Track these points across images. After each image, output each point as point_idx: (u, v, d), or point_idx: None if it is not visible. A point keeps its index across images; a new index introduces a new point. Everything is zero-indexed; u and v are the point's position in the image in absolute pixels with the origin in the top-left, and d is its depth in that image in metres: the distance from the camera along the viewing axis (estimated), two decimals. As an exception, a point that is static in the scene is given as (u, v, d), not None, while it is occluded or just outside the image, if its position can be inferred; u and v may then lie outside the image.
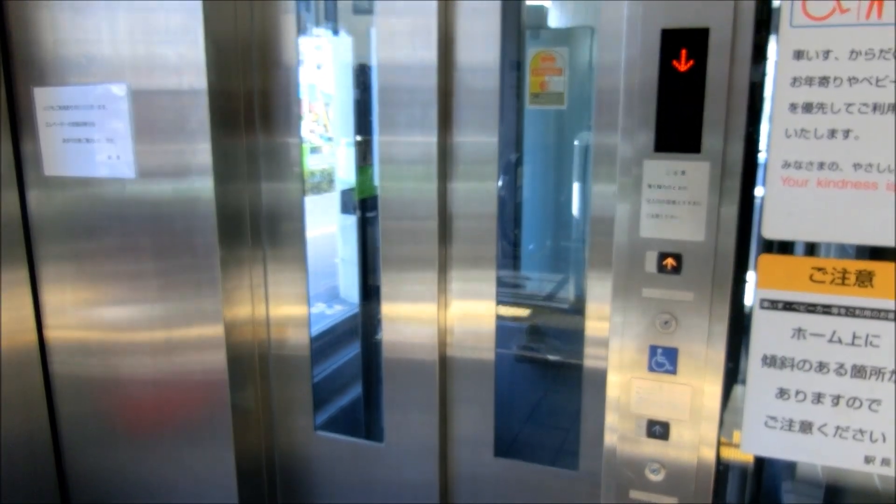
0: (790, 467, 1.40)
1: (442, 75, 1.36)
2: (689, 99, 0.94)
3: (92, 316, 1.61)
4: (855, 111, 0.86)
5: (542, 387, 2.69)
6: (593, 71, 1.29)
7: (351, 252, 3.54)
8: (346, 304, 3.80)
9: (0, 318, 1.58)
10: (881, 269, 0.90)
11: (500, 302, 1.46)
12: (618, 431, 1.08)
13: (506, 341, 2.64)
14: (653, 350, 1.03)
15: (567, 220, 3.03)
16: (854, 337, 0.93)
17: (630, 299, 1.02)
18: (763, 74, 0.99)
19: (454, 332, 1.50)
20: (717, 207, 0.95)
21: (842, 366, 0.94)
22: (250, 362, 1.62)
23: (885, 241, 0.88)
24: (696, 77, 0.93)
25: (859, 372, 0.94)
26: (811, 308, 0.94)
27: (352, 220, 2.47)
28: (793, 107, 0.89)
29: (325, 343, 2.65)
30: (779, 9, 0.88)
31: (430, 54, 1.34)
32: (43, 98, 1.51)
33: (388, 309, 1.50)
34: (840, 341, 0.94)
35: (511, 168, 2.65)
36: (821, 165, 0.89)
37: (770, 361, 0.97)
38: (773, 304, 0.95)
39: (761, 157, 1.00)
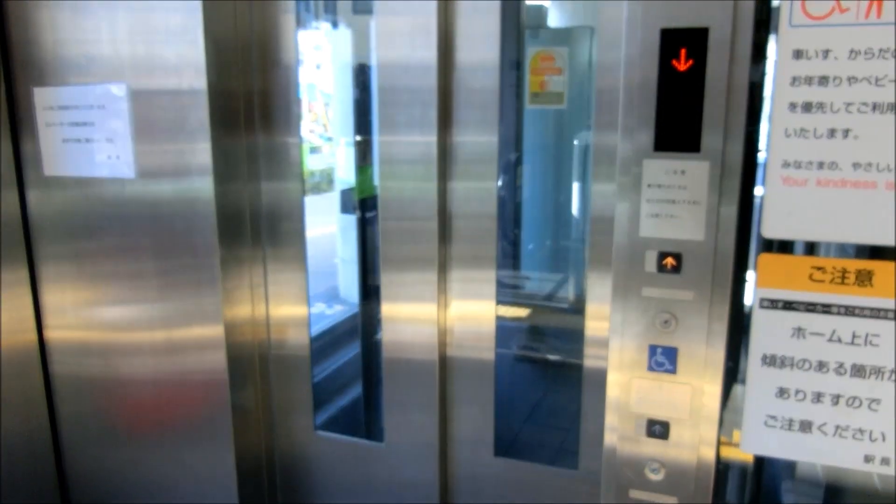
0: (790, 467, 1.40)
1: (442, 75, 1.36)
2: (688, 98, 0.94)
3: (92, 316, 1.61)
4: (854, 111, 0.87)
5: (541, 386, 2.69)
6: (593, 70, 1.29)
7: (351, 252, 3.54)
8: (345, 303, 3.80)
9: (0, 318, 1.58)
10: (881, 268, 0.90)
11: (500, 302, 1.46)
12: (618, 431, 1.08)
13: (506, 341, 2.64)
14: (653, 349, 1.03)
15: (567, 219, 3.04)
16: (854, 336, 0.93)
17: (630, 299, 1.02)
18: (763, 74, 0.99)
19: (454, 332, 1.50)
20: (716, 207, 0.95)
21: (841, 365, 0.94)
22: (250, 362, 1.63)
23: (885, 240, 0.88)
24: (695, 77, 0.93)
25: (859, 371, 0.94)
26: (811, 307, 0.94)
27: (351, 220, 2.47)
28: (792, 106, 0.89)
29: (325, 343, 2.65)
30: (778, 8, 0.88)
31: (429, 54, 1.34)
32: (43, 98, 1.51)
33: (388, 309, 1.50)
34: (840, 340, 0.94)
35: (511, 168, 2.65)
36: (820, 165, 0.89)
37: (770, 361, 0.97)
38: (773, 304, 0.95)
39: (761, 156, 1.00)
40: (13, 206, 1.58)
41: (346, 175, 3.58)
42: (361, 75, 2.30)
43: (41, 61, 1.49)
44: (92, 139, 1.48)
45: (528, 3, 2.77)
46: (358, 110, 2.39)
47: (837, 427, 0.96)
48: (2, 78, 1.51)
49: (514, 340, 2.73)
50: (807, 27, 0.87)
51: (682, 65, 0.93)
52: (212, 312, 1.50)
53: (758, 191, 1.00)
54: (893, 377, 0.92)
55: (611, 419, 1.09)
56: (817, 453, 0.98)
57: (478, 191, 1.41)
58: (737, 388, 1.10)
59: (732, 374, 1.10)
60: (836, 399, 0.95)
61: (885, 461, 0.95)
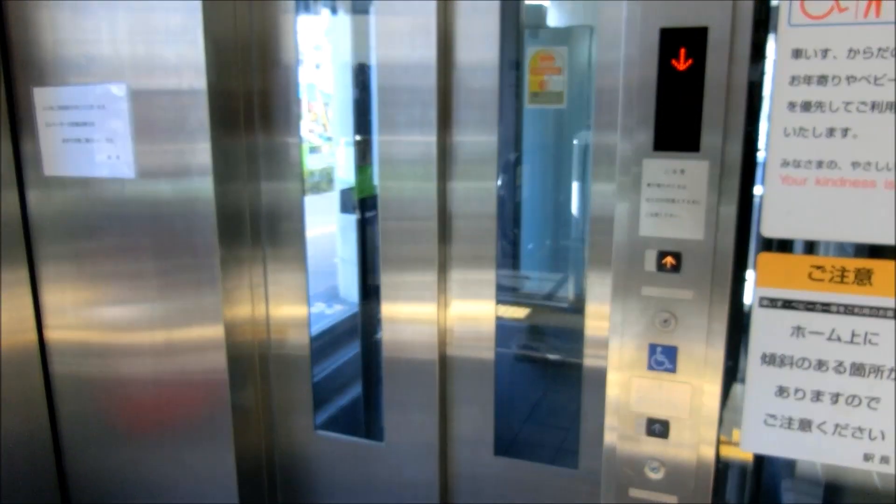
0: (789, 465, 1.40)
1: (441, 75, 1.36)
2: (688, 98, 0.94)
3: (92, 316, 1.61)
4: (853, 110, 0.87)
5: (541, 386, 2.70)
6: (592, 70, 1.29)
7: (350, 252, 3.54)
8: (345, 303, 3.80)
9: (0, 318, 1.58)
10: (880, 267, 0.90)
11: (499, 301, 1.46)
12: (617, 430, 1.09)
13: (506, 340, 2.64)
14: (652, 348, 1.03)
15: (566, 219, 3.04)
16: (853, 335, 0.93)
17: (630, 298, 1.03)
18: (762, 73, 0.99)
19: (454, 332, 1.50)
20: (716, 206, 0.95)
21: (841, 364, 0.94)
22: (250, 362, 1.63)
23: (884, 239, 0.88)
24: (695, 76, 0.93)
25: (858, 370, 0.94)
26: (810, 306, 0.94)
27: (351, 220, 2.47)
28: (791, 105, 0.89)
29: (325, 343, 2.65)
30: (777, 8, 0.88)
31: (429, 53, 1.34)
32: (43, 98, 1.51)
33: (388, 308, 1.51)
34: (839, 339, 0.94)
35: (510, 167, 2.66)
36: (819, 164, 0.89)
37: (769, 359, 0.97)
38: (773, 303, 0.95)
39: (760, 155, 1.01)
40: (13, 206, 1.58)
41: (345, 175, 3.59)
42: (361, 75, 2.30)
43: (41, 61, 1.49)
44: (92, 139, 1.48)
45: (527, 2, 2.77)
46: (358, 110, 2.39)
47: (837, 426, 0.96)
48: (2, 78, 1.52)
49: (514, 340, 2.73)
50: (806, 26, 0.87)
51: (682, 64, 0.93)
52: (212, 312, 1.50)
53: (757, 190, 1.00)
54: (893, 376, 0.92)
55: (611, 418, 1.09)
56: (817, 452, 0.98)
57: (477, 190, 1.41)
58: (736, 387, 1.10)
59: (732, 373, 1.10)
60: (835, 398, 0.96)
61: (884, 459, 0.95)
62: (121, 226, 1.52)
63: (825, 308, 0.93)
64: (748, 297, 1.03)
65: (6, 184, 1.56)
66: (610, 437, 1.10)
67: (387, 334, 1.52)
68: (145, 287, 1.54)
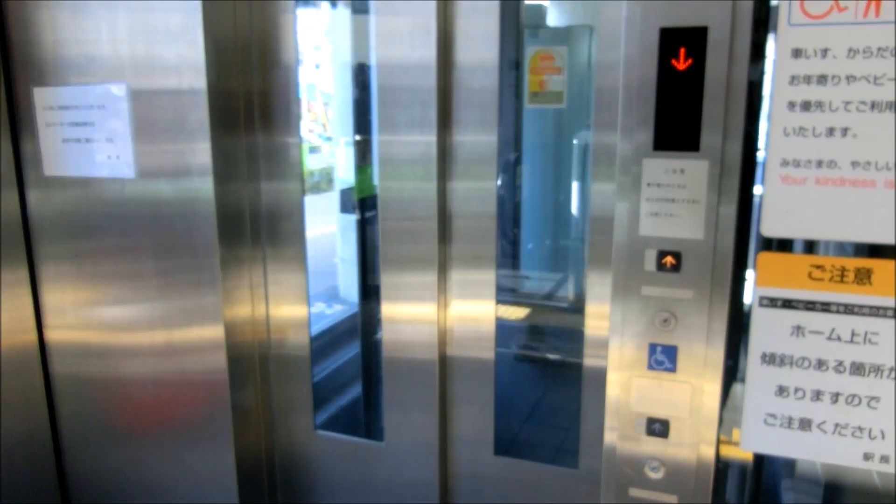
0: (789, 465, 1.40)
1: (441, 75, 1.36)
2: (687, 98, 0.94)
3: (92, 316, 1.61)
4: (853, 109, 0.87)
5: (541, 386, 2.70)
6: (592, 70, 1.29)
7: (350, 251, 3.54)
8: (345, 303, 3.81)
9: (0, 318, 1.58)
10: (880, 266, 0.90)
11: (499, 301, 1.46)
12: (617, 430, 1.09)
13: (506, 340, 2.64)
14: (652, 348, 1.03)
15: (566, 218, 3.04)
16: (853, 334, 0.93)
17: (629, 298, 1.03)
18: (762, 73, 0.99)
19: (454, 332, 1.50)
20: (716, 206, 0.95)
21: (841, 363, 0.94)
22: (250, 362, 1.63)
23: (884, 238, 0.88)
24: (694, 76, 0.93)
25: (858, 369, 0.94)
26: (810, 306, 0.94)
27: (351, 220, 2.47)
28: (791, 105, 0.89)
29: (325, 343, 2.65)
30: (777, 7, 0.88)
31: (429, 53, 1.34)
32: (43, 98, 1.51)
33: (388, 308, 1.51)
34: (839, 339, 0.94)
35: (510, 167, 2.66)
36: (819, 163, 0.89)
37: (769, 359, 0.97)
38: (773, 302, 0.95)
39: (760, 155, 1.01)
40: (13, 206, 1.58)
41: (345, 175, 3.59)
42: (361, 75, 2.30)
43: (41, 61, 1.49)
44: (92, 139, 1.48)
45: (527, 2, 2.77)
46: (357, 110, 2.39)
47: (837, 425, 0.96)
48: (2, 78, 1.52)
49: (513, 340, 2.73)
50: (805, 26, 0.87)
51: (682, 64, 0.93)
52: (212, 312, 1.50)
53: (757, 189, 1.00)
54: (892, 375, 0.92)
55: (611, 418, 1.09)
56: (817, 451, 0.99)
57: (477, 190, 1.41)
58: (736, 387, 1.10)
59: (732, 373, 1.10)
60: (835, 397, 0.96)
61: (884, 459, 0.95)
62: (121, 226, 1.52)
63: (825, 307, 0.93)
64: (748, 297, 1.03)
65: (6, 184, 1.56)
66: (610, 437, 1.10)
67: (387, 334, 1.52)
68: (145, 287, 1.54)
